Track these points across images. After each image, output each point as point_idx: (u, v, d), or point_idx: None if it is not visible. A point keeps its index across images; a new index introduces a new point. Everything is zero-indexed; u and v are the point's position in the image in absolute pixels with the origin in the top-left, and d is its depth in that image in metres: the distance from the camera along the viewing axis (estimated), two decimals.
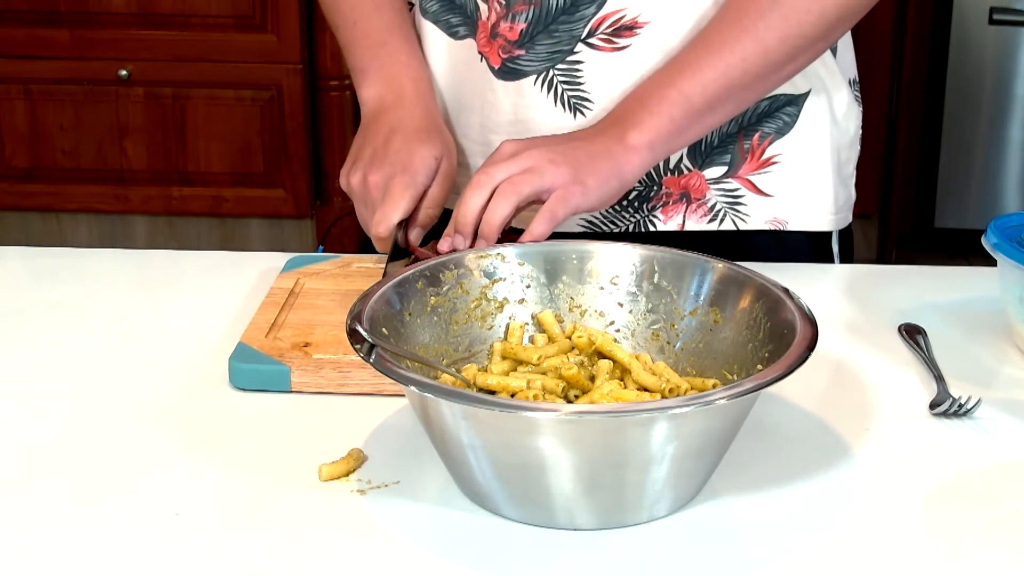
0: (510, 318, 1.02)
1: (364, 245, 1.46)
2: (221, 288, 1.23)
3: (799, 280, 1.06)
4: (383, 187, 1.18)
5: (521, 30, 1.25)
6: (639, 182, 1.28)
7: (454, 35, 1.31)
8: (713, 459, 0.89)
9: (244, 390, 1.05)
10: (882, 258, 3.48)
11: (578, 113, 1.27)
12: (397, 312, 0.96)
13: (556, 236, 1.10)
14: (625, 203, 1.29)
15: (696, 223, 1.30)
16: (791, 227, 1.32)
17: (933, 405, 1.02)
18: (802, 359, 0.87)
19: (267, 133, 3.23)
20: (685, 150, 1.28)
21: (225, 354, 1.08)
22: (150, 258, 1.36)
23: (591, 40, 1.25)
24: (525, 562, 0.84)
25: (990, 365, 1.11)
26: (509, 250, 1.04)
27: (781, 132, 1.29)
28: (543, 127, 1.27)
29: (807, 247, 1.33)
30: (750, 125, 1.29)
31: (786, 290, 0.96)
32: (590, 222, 1.31)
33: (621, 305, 1.03)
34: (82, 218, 3.37)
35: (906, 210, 3.53)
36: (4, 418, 1.01)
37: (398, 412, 1.01)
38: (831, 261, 1.36)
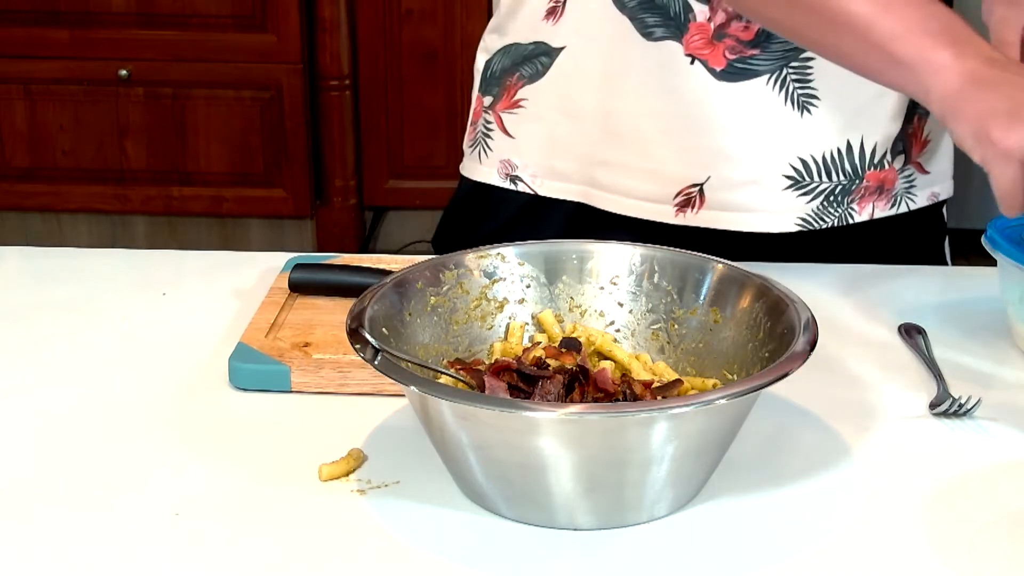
0: (510, 318, 1.02)
1: (364, 245, 1.45)
2: (221, 288, 1.23)
3: (799, 280, 1.06)
4: None
5: (757, 29, 1.24)
6: (844, 176, 1.30)
7: (648, 35, 1.26)
8: (713, 459, 0.89)
9: (244, 390, 1.05)
10: None
11: (804, 111, 1.26)
12: (397, 312, 0.96)
13: (559, 238, 1.10)
14: (832, 198, 1.30)
15: (880, 211, 1.33)
16: (942, 197, 1.37)
17: (933, 405, 1.02)
18: (802, 359, 0.87)
19: (267, 133, 3.22)
20: (889, 145, 1.30)
21: (225, 354, 1.08)
22: (150, 258, 1.36)
23: None
24: (525, 562, 0.84)
25: (990, 365, 1.11)
26: (509, 250, 1.04)
27: (928, 111, 1.30)
28: (769, 126, 1.26)
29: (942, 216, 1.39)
30: (913, 109, 1.31)
31: (786, 290, 0.96)
32: (806, 220, 1.30)
33: (621, 305, 1.03)
34: (82, 218, 3.37)
35: None
36: (4, 418, 1.01)
37: (398, 412, 1.01)
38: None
